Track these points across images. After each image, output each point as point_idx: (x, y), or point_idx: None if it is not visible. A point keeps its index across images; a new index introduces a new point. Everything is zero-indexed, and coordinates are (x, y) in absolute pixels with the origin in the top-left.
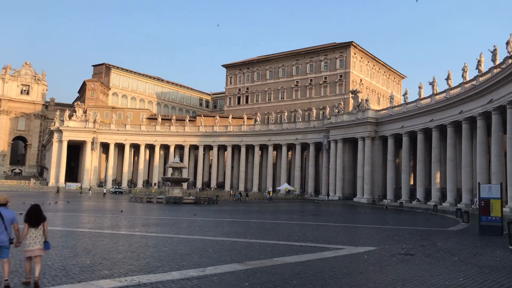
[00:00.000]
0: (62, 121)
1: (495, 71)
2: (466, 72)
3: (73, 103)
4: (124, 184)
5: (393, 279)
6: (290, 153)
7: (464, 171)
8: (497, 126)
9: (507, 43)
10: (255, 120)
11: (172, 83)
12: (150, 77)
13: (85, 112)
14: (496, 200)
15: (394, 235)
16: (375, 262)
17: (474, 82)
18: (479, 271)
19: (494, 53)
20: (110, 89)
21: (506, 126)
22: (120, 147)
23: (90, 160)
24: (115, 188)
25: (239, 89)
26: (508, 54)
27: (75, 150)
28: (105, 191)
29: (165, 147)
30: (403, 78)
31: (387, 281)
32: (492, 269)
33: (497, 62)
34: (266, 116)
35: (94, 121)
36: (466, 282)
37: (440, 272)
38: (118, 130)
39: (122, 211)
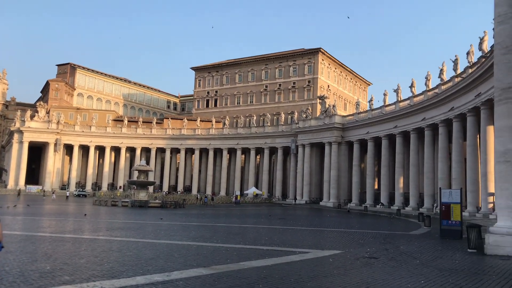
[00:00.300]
0: (23, 121)
1: (456, 80)
2: (429, 80)
3: (36, 103)
4: (89, 187)
5: (357, 282)
6: (258, 157)
7: (426, 177)
8: (457, 133)
9: (468, 53)
10: (224, 124)
11: (140, 85)
12: (117, 78)
13: (48, 112)
14: (456, 205)
15: (359, 239)
16: (340, 265)
17: (436, 90)
18: (440, 274)
19: (455, 62)
20: (75, 89)
21: (466, 133)
22: (84, 149)
23: (53, 162)
24: (79, 191)
25: (208, 92)
26: (468, 64)
27: (37, 151)
28: (68, 194)
29: (131, 150)
30: (369, 85)
31: (351, 284)
32: (451, 272)
33: (458, 71)
34: (234, 120)
35: (58, 122)
36: (427, 285)
37: (402, 275)
38: (83, 131)
39: (85, 214)
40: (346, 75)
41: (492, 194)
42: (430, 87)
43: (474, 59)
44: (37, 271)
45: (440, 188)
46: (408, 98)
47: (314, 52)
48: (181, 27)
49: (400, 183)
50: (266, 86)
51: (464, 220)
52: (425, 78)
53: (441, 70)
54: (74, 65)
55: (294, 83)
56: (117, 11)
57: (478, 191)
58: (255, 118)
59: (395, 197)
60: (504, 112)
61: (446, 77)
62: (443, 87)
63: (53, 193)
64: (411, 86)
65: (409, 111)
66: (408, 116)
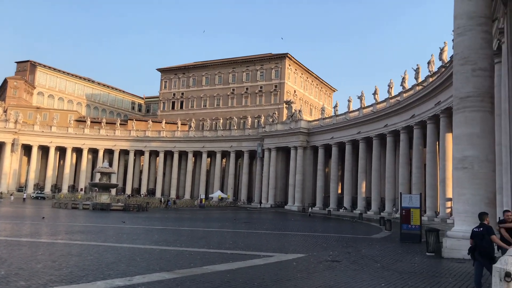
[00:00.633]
0: None
1: (418, 88)
2: (391, 88)
3: None
4: (48, 189)
5: (320, 286)
6: (224, 160)
7: (387, 182)
8: (418, 139)
9: (429, 62)
10: (190, 126)
11: (104, 85)
12: (80, 77)
13: (5, 111)
14: (415, 210)
15: (322, 242)
16: (303, 269)
17: (398, 98)
18: (400, 277)
19: (417, 71)
20: (35, 88)
21: (426, 140)
22: (44, 150)
23: (10, 163)
24: (37, 193)
25: (174, 94)
26: (429, 73)
27: None
28: (25, 196)
29: (93, 151)
30: (334, 91)
31: (314, 287)
32: (411, 275)
33: (420, 80)
34: (201, 123)
35: (16, 122)
36: (387, 287)
37: (364, 278)
38: (43, 131)
39: (43, 217)
40: (312, 81)
41: (450, 199)
42: (393, 94)
43: (434, 68)
44: None
45: (400, 193)
46: (372, 105)
47: (282, 57)
48: (148, 28)
49: (362, 187)
50: (233, 90)
51: (423, 224)
52: (388, 86)
53: (403, 78)
54: (35, 62)
55: (261, 87)
56: (82, 10)
57: (437, 196)
58: (221, 121)
59: (357, 201)
60: (461, 121)
61: (408, 85)
62: (404, 95)
63: (11, 195)
64: (375, 93)
65: (372, 118)
66: (371, 123)
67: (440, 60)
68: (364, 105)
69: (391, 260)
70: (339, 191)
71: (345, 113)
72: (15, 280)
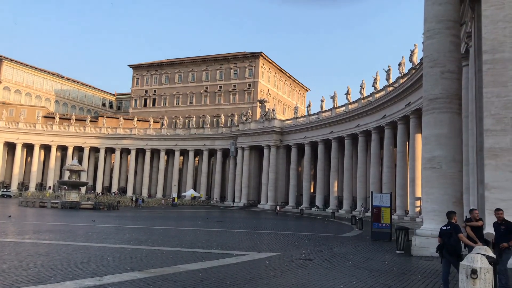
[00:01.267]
0: None
1: (389, 89)
2: (363, 88)
3: None
4: (14, 187)
5: (293, 284)
6: (197, 159)
7: (359, 181)
8: (389, 139)
9: (400, 64)
10: (162, 124)
11: (73, 81)
12: (49, 72)
13: None
14: (386, 208)
15: (295, 241)
16: (276, 267)
17: (370, 99)
18: (370, 274)
19: (388, 72)
20: (0, 82)
21: (396, 140)
22: (10, 146)
23: None
24: (3, 191)
25: (146, 91)
26: (400, 75)
27: None
28: None
29: (62, 149)
30: (307, 90)
31: (287, 286)
32: (381, 272)
33: (391, 81)
34: (173, 121)
35: None
36: (359, 285)
37: (335, 276)
38: (9, 128)
39: (10, 216)
40: (285, 80)
41: (419, 199)
42: (365, 95)
43: (405, 70)
44: None
45: (371, 192)
46: (344, 105)
47: (255, 56)
48: (118, 23)
49: (334, 186)
50: (207, 88)
51: (394, 223)
52: (360, 86)
53: (375, 79)
54: (1, 56)
55: (234, 85)
56: (51, 4)
57: (407, 195)
58: (194, 119)
59: (329, 200)
60: (430, 121)
61: (379, 86)
62: (376, 96)
63: None
64: (347, 94)
65: (344, 118)
66: (343, 122)
67: (410, 62)
68: (336, 105)
69: (362, 258)
70: (312, 190)
71: (318, 113)
72: None
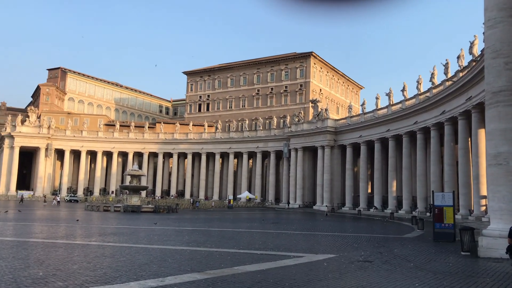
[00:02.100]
0: (14, 126)
1: (447, 83)
2: (420, 84)
3: (26, 108)
4: (80, 192)
5: (352, 286)
6: (251, 161)
7: (418, 180)
8: (449, 136)
9: (458, 57)
10: (216, 128)
11: (131, 89)
12: (109, 82)
13: (39, 117)
14: (449, 208)
15: (353, 243)
16: (335, 269)
17: (428, 94)
18: (434, 276)
19: (446, 66)
20: (66, 94)
21: (457, 137)
22: (76, 154)
23: (44, 167)
24: (70, 196)
25: (200, 97)
26: (459, 68)
27: (28, 156)
28: (59, 199)
29: (123, 154)
30: (361, 88)
31: None
32: (445, 275)
33: (449, 75)
34: (227, 124)
35: (49, 127)
36: None
37: (397, 278)
38: (74, 136)
39: (77, 220)
40: (338, 79)
41: (485, 197)
42: (422, 90)
43: (464, 63)
44: (29, 278)
45: (432, 191)
46: (400, 102)
47: (306, 56)
48: (173, 31)
49: (393, 186)
50: (258, 90)
51: (457, 223)
52: (417, 82)
53: (432, 74)
54: (65, 69)
55: (286, 87)
56: (108, 16)
57: (470, 194)
58: (247, 122)
59: (388, 200)
60: (495, 116)
61: (437, 81)
62: (434, 91)
63: (54, 199)
64: (403, 90)
65: (401, 115)
66: (400, 120)
67: (470, 54)
68: (392, 102)
69: (424, 259)
70: (369, 191)
71: (373, 111)
72: (53, 280)
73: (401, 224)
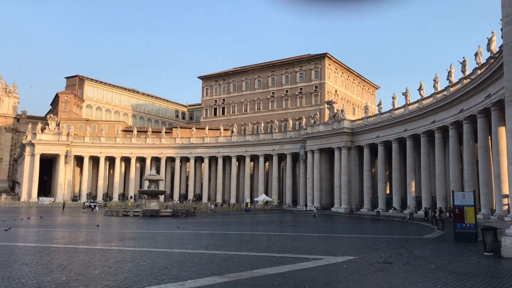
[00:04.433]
0: (34, 134)
1: (465, 81)
2: (437, 83)
3: (46, 116)
4: (100, 197)
5: None
6: (267, 163)
7: (438, 180)
8: (468, 135)
9: (476, 54)
10: (232, 131)
11: (148, 95)
12: (125, 89)
13: (58, 125)
14: (470, 208)
15: (372, 244)
16: (355, 271)
17: (445, 93)
18: (456, 278)
19: (463, 64)
20: (84, 101)
21: (477, 135)
22: (94, 160)
23: (64, 173)
24: (90, 202)
25: (215, 101)
26: (477, 65)
27: (48, 163)
28: (93, 205)
29: (141, 160)
30: (377, 88)
31: None
32: (468, 276)
33: (467, 73)
34: (242, 127)
35: (68, 134)
36: None
37: (418, 279)
38: (93, 143)
39: (98, 225)
40: (353, 80)
41: (507, 196)
42: (439, 89)
43: (482, 60)
44: (53, 283)
45: (452, 191)
46: (417, 101)
47: (321, 57)
48: (187, 36)
49: (412, 186)
50: (273, 93)
51: (479, 222)
52: (434, 80)
53: (449, 72)
54: (83, 77)
55: (301, 89)
56: (121, 23)
57: (492, 193)
58: (262, 125)
59: (407, 201)
60: None
61: (454, 79)
62: (451, 89)
63: (89, 206)
64: (420, 89)
65: (418, 114)
66: (417, 119)
67: (488, 51)
68: (409, 101)
69: (446, 260)
70: (388, 191)
71: (390, 111)
72: (75, 285)
73: (421, 224)
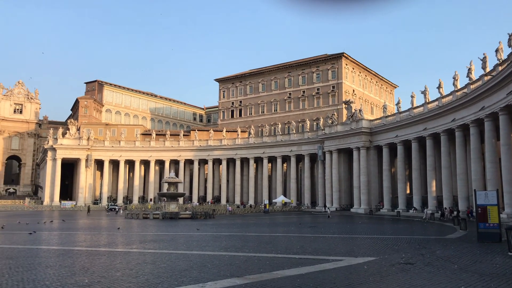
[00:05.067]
0: (56, 139)
1: (486, 78)
2: (457, 80)
3: (66, 120)
4: (120, 200)
5: None
6: (285, 165)
7: (459, 179)
8: (490, 132)
9: (497, 50)
10: (249, 133)
11: (166, 98)
12: (143, 93)
13: (78, 129)
14: (493, 207)
15: (393, 245)
16: (375, 272)
17: (465, 90)
18: (480, 278)
19: (484, 60)
20: (103, 105)
21: (499, 133)
22: (114, 163)
23: (85, 177)
24: (111, 205)
25: (232, 103)
26: (498, 62)
27: (69, 167)
28: (117, 208)
29: (160, 163)
30: (395, 87)
31: None
32: (492, 276)
33: (487, 69)
34: (259, 129)
35: (88, 138)
36: None
37: (441, 280)
38: (113, 146)
39: (118, 228)
40: (371, 79)
41: None
42: (459, 87)
43: (503, 56)
44: (76, 285)
45: (474, 190)
46: (437, 100)
47: (337, 57)
48: (203, 39)
49: (432, 186)
50: (290, 94)
51: (502, 222)
52: (453, 78)
53: (469, 69)
54: (102, 82)
55: (318, 89)
56: (140, 28)
57: None
58: (280, 126)
59: (428, 200)
60: None
61: (474, 76)
62: (472, 87)
63: (120, 208)
64: (439, 87)
65: (438, 113)
66: (437, 118)
67: (510, 47)
68: (428, 100)
69: (469, 261)
70: (408, 191)
71: (408, 110)
72: (98, 287)
73: (443, 224)
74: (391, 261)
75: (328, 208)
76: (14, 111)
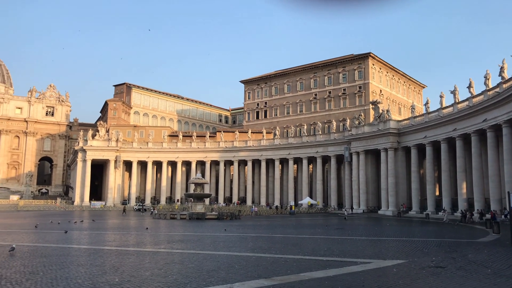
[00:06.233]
0: (86, 140)
1: None
2: (488, 79)
3: (96, 122)
4: (148, 201)
5: None
6: (311, 166)
7: (491, 180)
8: None
9: None
10: (274, 134)
11: (192, 100)
12: (170, 95)
13: (107, 131)
14: None
15: (422, 248)
16: (405, 275)
17: (497, 89)
18: None
19: None
20: (131, 108)
21: None
22: (142, 164)
23: (114, 178)
24: (139, 205)
25: (258, 104)
26: None
27: (99, 169)
28: (152, 210)
29: (186, 164)
30: (424, 87)
31: None
32: None
33: None
34: (285, 130)
35: (117, 140)
36: None
37: (474, 285)
38: (141, 148)
39: (147, 228)
40: (398, 79)
41: None
42: (490, 86)
43: None
44: (107, 284)
45: (508, 192)
46: (467, 99)
47: (364, 57)
48: (229, 42)
49: (463, 188)
50: (316, 95)
51: None
52: (484, 77)
53: (502, 68)
54: (130, 84)
55: (344, 89)
56: (166, 31)
57: None
58: (305, 127)
59: (458, 203)
60: None
61: (507, 74)
62: (504, 86)
63: (154, 208)
64: (469, 87)
65: (468, 113)
66: (467, 118)
67: None
68: (458, 99)
69: (503, 265)
70: (437, 193)
71: (437, 110)
72: (128, 286)
73: (474, 227)
74: (421, 264)
75: (345, 210)
76: (46, 113)
